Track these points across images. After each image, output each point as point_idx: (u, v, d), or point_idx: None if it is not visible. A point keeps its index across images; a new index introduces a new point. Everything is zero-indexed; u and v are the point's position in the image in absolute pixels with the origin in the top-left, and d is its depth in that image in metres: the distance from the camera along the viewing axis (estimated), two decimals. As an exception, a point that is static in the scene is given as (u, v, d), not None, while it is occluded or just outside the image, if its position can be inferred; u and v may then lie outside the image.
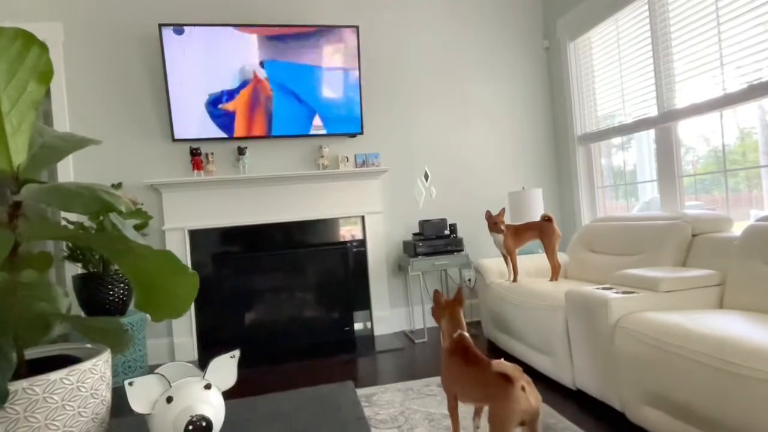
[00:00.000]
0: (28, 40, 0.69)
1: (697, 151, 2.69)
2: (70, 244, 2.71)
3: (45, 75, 0.73)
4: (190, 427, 0.72)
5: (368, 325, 3.55)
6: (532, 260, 3.01)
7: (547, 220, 2.75)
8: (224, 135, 3.28)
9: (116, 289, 2.72)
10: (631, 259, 2.41)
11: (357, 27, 3.44)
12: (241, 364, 2.85)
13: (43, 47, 0.72)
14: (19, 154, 0.73)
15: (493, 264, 2.98)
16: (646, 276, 1.91)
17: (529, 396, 1.24)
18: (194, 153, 3.28)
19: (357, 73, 3.45)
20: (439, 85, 3.80)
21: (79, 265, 2.78)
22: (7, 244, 0.68)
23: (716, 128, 2.55)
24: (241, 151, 3.35)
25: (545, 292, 2.33)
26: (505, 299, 2.64)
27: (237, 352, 0.84)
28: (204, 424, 0.73)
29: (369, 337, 3.47)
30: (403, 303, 3.67)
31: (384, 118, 3.69)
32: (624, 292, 1.87)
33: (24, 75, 0.71)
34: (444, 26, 3.81)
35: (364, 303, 3.55)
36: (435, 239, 3.34)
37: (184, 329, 3.28)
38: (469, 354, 1.44)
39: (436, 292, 1.62)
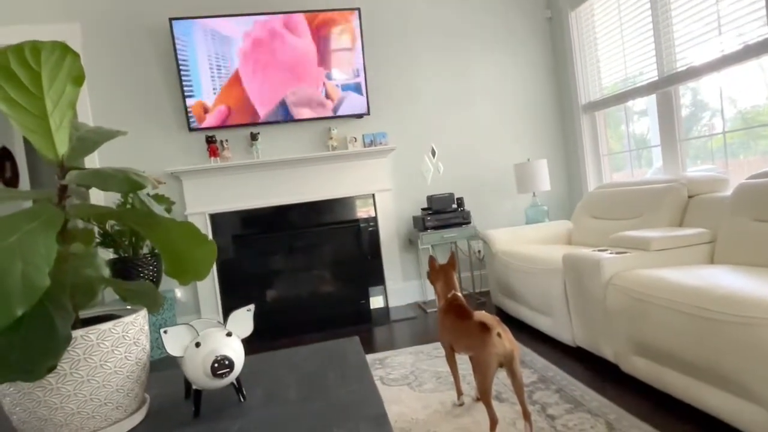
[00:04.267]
0: (64, 50, 0.83)
1: (726, 113, 2.59)
2: (101, 231, 2.92)
3: (78, 78, 0.87)
4: (216, 365, 0.87)
5: (383, 297, 3.71)
6: (537, 229, 3.11)
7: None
8: (237, 122, 3.43)
9: (146, 271, 2.94)
10: (630, 223, 2.50)
11: (358, 9, 3.51)
12: (264, 338, 3.05)
13: (76, 55, 0.86)
14: (62, 146, 0.88)
15: (499, 234, 3.10)
16: (638, 236, 2.00)
17: (504, 341, 1.39)
18: (210, 141, 3.44)
19: (361, 54, 3.54)
20: (442, 60, 3.85)
21: (111, 250, 2.99)
22: (59, 220, 0.83)
23: (740, 88, 2.49)
24: (253, 137, 3.50)
25: (545, 257, 2.44)
26: (509, 266, 2.76)
27: (252, 306, 0.99)
28: (227, 362, 0.88)
29: (384, 309, 3.64)
30: (415, 276, 3.82)
31: (389, 97, 3.78)
32: (618, 253, 1.97)
33: (62, 80, 0.85)
34: (445, 1, 3.85)
35: (378, 277, 3.71)
36: (443, 213, 3.46)
37: (211, 308, 3.50)
38: (460, 310, 1.58)
39: (430, 258, 1.76)
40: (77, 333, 0.81)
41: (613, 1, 3.26)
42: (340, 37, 3.51)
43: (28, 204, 0.88)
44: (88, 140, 0.97)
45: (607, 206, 2.79)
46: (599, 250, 2.07)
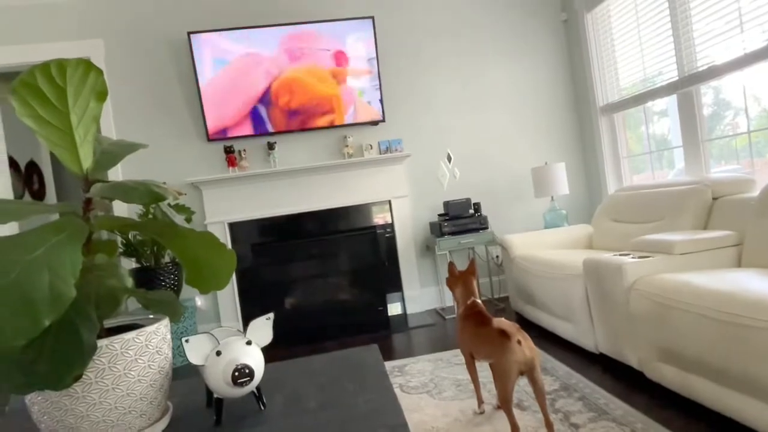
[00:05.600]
0: (88, 66, 0.86)
1: (750, 111, 2.51)
2: (124, 241, 2.98)
3: (101, 94, 0.90)
4: (236, 374, 0.88)
5: (400, 304, 3.70)
6: (556, 233, 3.07)
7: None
8: (254, 132, 3.48)
9: (167, 280, 2.98)
10: (653, 226, 2.44)
11: (372, 18, 3.54)
12: (282, 345, 3.07)
13: (99, 71, 0.88)
14: (86, 160, 0.90)
15: (518, 239, 3.06)
16: (661, 240, 1.96)
17: (524, 348, 1.37)
18: (228, 151, 3.49)
19: (375, 62, 3.56)
20: (456, 65, 3.85)
21: (133, 259, 3.06)
22: (84, 233, 0.85)
23: (765, 86, 2.40)
24: (270, 146, 3.54)
25: (565, 261, 2.40)
26: (529, 271, 2.73)
27: (271, 315, 0.99)
28: (247, 371, 0.88)
29: (402, 316, 3.63)
30: (432, 282, 3.80)
31: (405, 104, 3.79)
32: (640, 257, 1.93)
33: (86, 95, 0.88)
34: (459, 6, 3.85)
35: (396, 284, 3.70)
36: (460, 218, 3.44)
37: (230, 315, 3.54)
38: (480, 317, 1.56)
39: (450, 263, 1.75)
40: (102, 342, 0.82)
41: (630, 1, 3.21)
42: (355, 45, 3.54)
43: (55, 216, 0.90)
44: (110, 154, 1.00)
45: (629, 209, 2.74)
46: (621, 255, 2.03)
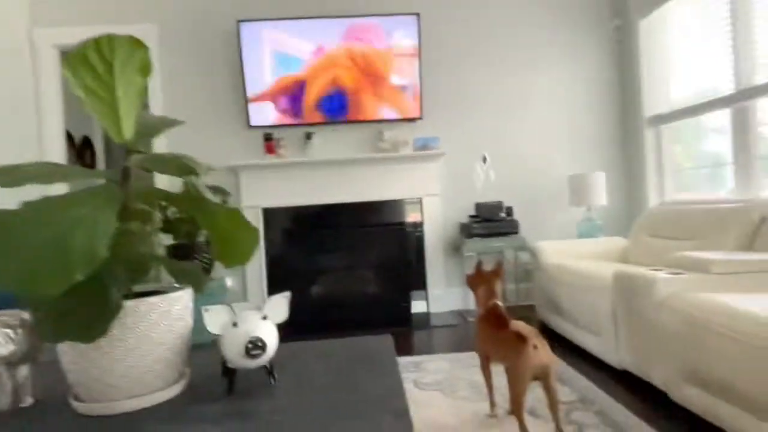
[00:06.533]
0: (135, 43, 0.90)
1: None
2: (163, 218, 3.12)
3: (146, 69, 0.95)
4: (250, 345, 0.91)
5: (424, 302, 3.70)
6: (589, 244, 2.99)
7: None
8: (294, 121, 3.56)
9: (202, 258, 3.10)
10: (692, 244, 2.34)
11: (418, 14, 3.54)
12: (304, 332, 3.10)
13: (145, 48, 0.93)
14: (128, 131, 0.95)
15: (549, 246, 3.00)
16: (698, 257, 1.87)
17: (540, 354, 1.34)
18: (267, 138, 3.59)
19: (417, 59, 3.56)
20: (499, 67, 3.80)
21: (171, 236, 3.19)
22: (119, 199, 0.90)
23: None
24: (308, 136, 3.61)
25: (595, 272, 2.34)
26: (558, 280, 2.67)
27: (288, 293, 1.02)
28: (260, 344, 0.92)
29: (424, 314, 3.62)
30: (458, 283, 3.77)
31: (443, 102, 3.77)
32: (675, 274, 1.86)
33: (131, 70, 0.92)
34: (506, 8, 3.79)
35: (421, 282, 3.70)
36: (491, 221, 3.40)
37: (257, 298, 3.64)
38: (499, 319, 1.55)
39: (478, 262, 1.73)
40: (128, 303, 0.87)
41: (689, 10, 3.08)
42: (400, 42, 3.55)
43: (92, 183, 0.96)
44: (150, 126, 1.05)
45: (668, 225, 2.63)
46: (654, 269, 1.96)
